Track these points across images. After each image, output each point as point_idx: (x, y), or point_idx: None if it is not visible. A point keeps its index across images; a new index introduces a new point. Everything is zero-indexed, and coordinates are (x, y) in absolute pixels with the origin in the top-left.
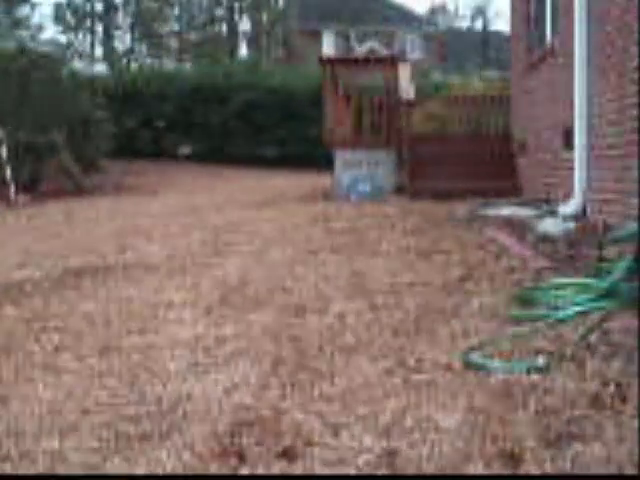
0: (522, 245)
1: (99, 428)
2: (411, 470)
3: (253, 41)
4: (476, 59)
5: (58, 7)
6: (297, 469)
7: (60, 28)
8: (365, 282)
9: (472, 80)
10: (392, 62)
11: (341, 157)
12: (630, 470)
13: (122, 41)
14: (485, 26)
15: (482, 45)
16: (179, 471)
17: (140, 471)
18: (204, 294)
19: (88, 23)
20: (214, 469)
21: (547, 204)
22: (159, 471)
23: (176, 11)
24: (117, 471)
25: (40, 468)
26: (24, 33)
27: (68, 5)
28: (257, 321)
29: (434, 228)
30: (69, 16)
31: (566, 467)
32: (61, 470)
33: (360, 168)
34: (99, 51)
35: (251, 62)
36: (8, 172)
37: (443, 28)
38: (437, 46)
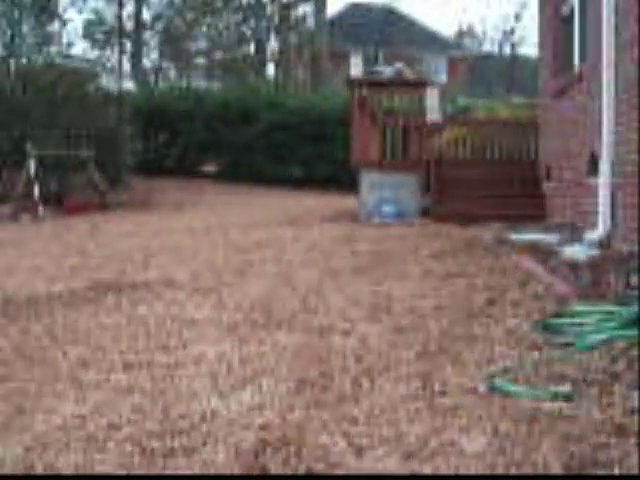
0: (547, 271)
1: (124, 443)
2: None
3: (281, 61)
4: (503, 83)
5: (88, 23)
6: None
7: (89, 44)
8: (389, 304)
9: (499, 104)
10: (420, 85)
11: (367, 179)
12: None
13: (150, 58)
14: (512, 50)
15: (509, 69)
16: None
17: None
18: (228, 313)
19: (117, 40)
20: None
21: (572, 230)
22: None
23: (204, 29)
24: None
25: None
26: (53, 49)
27: (98, 22)
28: (281, 341)
29: (459, 252)
30: (98, 33)
31: None
32: None
33: (385, 190)
34: (127, 67)
35: (278, 82)
36: (36, 186)
37: (470, 52)
38: (462, 70)
